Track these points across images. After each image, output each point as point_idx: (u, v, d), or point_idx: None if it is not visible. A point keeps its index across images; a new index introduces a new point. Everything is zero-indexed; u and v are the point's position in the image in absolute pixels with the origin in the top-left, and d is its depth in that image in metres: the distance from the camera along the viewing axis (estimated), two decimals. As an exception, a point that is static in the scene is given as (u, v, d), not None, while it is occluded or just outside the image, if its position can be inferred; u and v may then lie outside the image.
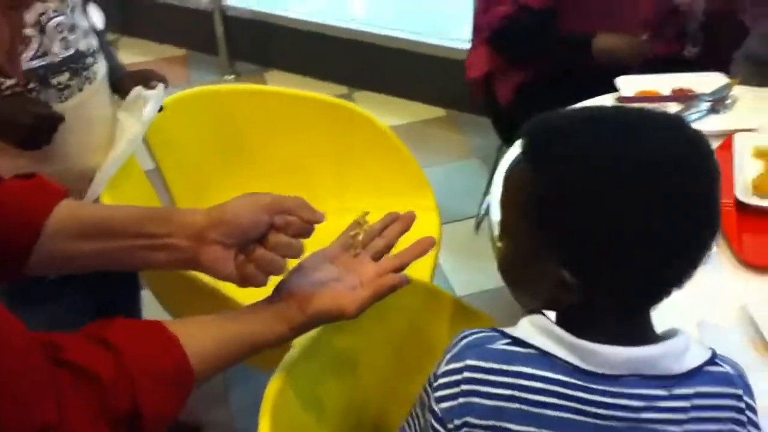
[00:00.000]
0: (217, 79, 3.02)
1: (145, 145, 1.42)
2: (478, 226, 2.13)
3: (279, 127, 1.62)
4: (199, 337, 0.66)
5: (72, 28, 1.13)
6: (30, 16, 1.06)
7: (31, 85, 1.08)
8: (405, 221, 0.80)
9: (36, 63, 1.08)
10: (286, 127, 1.62)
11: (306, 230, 0.71)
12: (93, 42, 1.18)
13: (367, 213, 0.81)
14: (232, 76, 3.04)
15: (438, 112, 2.75)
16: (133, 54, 3.22)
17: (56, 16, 1.10)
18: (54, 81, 1.10)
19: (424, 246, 0.78)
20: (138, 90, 1.25)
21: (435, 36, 2.70)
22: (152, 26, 3.33)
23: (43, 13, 1.08)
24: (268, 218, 0.70)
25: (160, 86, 1.27)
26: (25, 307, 0.77)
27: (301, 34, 2.93)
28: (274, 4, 3.02)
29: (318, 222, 0.71)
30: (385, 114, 2.72)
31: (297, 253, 0.71)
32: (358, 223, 0.79)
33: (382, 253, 0.78)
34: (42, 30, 1.08)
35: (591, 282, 0.61)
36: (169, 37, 3.31)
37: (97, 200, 1.17)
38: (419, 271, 1.36)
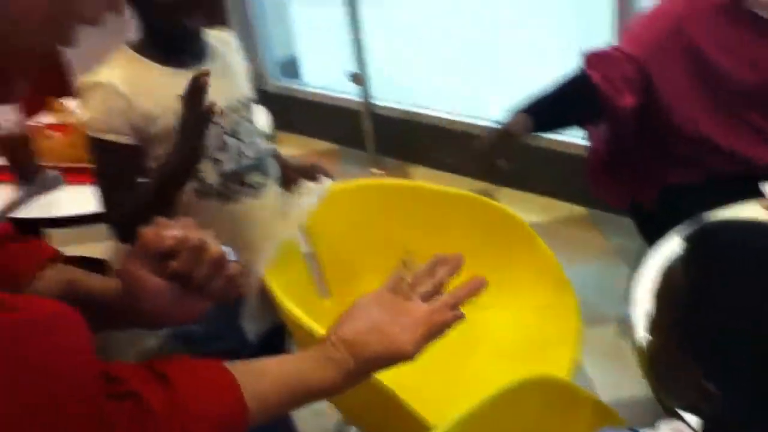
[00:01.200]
0: (365, 173, 3.17)
1: (303, 231, 1.52)
2: (620, 329, 2.07)
3: (420, 219, 1.68)
4: (256, 378, 0.66)
5: (256, 132, 1.26)
6: (227, 125, 1.19)
7: (232, 187, 1.21)
8: (453, 263, 0.77)
9: (234, 166, 1.20)
10: (428, 220, 1.67)
11: None
12: (266, 141, 1.30)
13: (411, 252, 0.79)
14: (378, 170, 3.18)
15: (580, 211, 2.73)
16: (289, 147, 3.46)
17: (246, 123, 1.23)
18: (248, 181, 1.23)
19: (477, 284, 0.75)
20: (307, 184, 1.33)
21: (577, 136, 2.72)
22: (307, 122, 3.58)
23: (237, 122, 1.21)
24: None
25: (327, 180, 1.35)
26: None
27: (443, 131, 3.04)
28: (418, 103, 3.17)
29: None
30: (526, 211, 2.73)
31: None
32: (405, 265, 0.77)
33: (431, 295, 0.75)
34: (237, 136, 1.21)
35: (738, 396, 0.59)
36: (321, 132, 3.54)
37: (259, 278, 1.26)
38: (558, 370, 1.35)
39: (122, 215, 1.12)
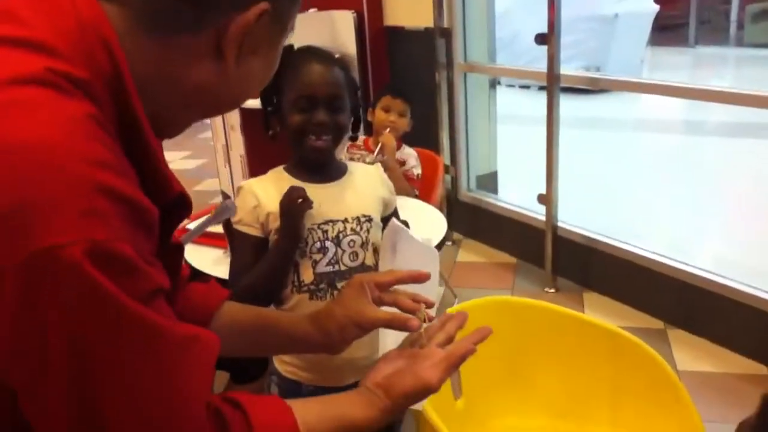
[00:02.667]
0: (539, 291, 3.24)
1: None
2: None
3: (561, 345, 1.74)
4: (305, 410, 0.77)
5: (364, 245, 1.40)
6: (331, 232, 1.38)
7: (321, 286, 1.37)
8: (459, 319, 0.93)
9: (328, 269, 1.37)
10: (568, 347, 1.73)
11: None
12: (387, 258, 1.33)
13: (426, 307, 0.93)
14: (553, 290, 3.24)
15: (758, 368, 2.59)
16: (472, 254, 3.65)
17: (354, 236, 1.38)
18: (339, 286, 1.37)
19: (485, 333, 0.91)
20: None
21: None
22: (492, 234, 3.74)
23: (342, 231, 1.38)
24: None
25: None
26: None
27: (626, 264, 3.05)
28: (602, 229, 3.22)
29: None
30: (700, 359, 2.66)
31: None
32: (420, 320, 0.91)
33: (444, 344, 0.90)
34: (339, 245, 1.37)
35: None
36: (504, 245, 3.68)
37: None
38: None
39: (243, 287, 1.35)
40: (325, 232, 1.37)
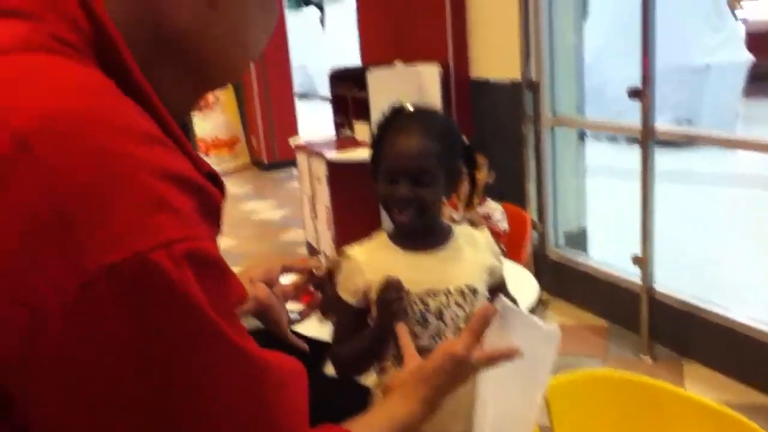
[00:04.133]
0: (634, 359, 3.05)
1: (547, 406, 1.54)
2: None
3: (662, 424, 1.60)
4: (357, 425, 0.80)
5: (468, 320, 1.29)
6: (433, 305, 1.29)
7: None
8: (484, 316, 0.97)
9: (428, 343, 1.27)
10: (670, 426, 1.59)
11: None
12: (494, 339, 1.33)
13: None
14: (648, 358, 3.04)
15: None
16: (558, 315, 3.48)
17: (456, 308, 1.30)
18: None
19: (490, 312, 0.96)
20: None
21: None
22: (583, 294, 3.57)
23: (444, 304, 1.29)
24: None
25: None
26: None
27: (729, 332, 2.83)
28: (704, 294, 3.01)
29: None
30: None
31: None
32: None
33: None
34: (441, 318, 1.29)
35: None
36: (595, 307, 3.50)
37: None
38: None
39: (343, 357, 1.34)
40: (427, 304, 1.29)
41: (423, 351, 1.24)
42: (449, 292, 1.30)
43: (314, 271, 1.30)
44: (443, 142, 1.30)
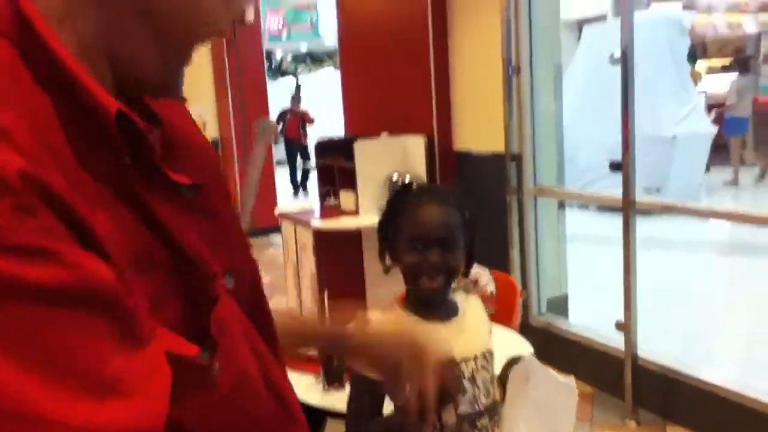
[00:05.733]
0: (619, 423, 3.11)
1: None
2: None
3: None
4: None
5: (492, 380, 1.39)
6: (467, 371, 1.36)
7: (464, 427, 1.34)
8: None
9: (469, 410, 1.34)
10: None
11: None
12: (519, 393, 1.37)
13: None
14: (633, 422, 3.11)
15: None
16: (544, 381, 3.54)
17: (484, 372, 1.38)
18: (479, 425, 1.35)
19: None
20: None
21: None
22: (566, 360, 3.64)
23: (475, 369, 1.36)
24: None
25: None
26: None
27: (710, 395, 2.92)
28: (685, 359, 3.11)
29: None
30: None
31: None
32: None
33: None
34: (475, 383, 1.36)
35: None
36: (579, 372, 3.55)
37: None
38: None
39: None
40: (461, 372, 1.35)
41: (464, 417, 1.34)
42: (476, 358, 1.37)
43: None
44: (461, 212, 1.41)
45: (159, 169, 0.56)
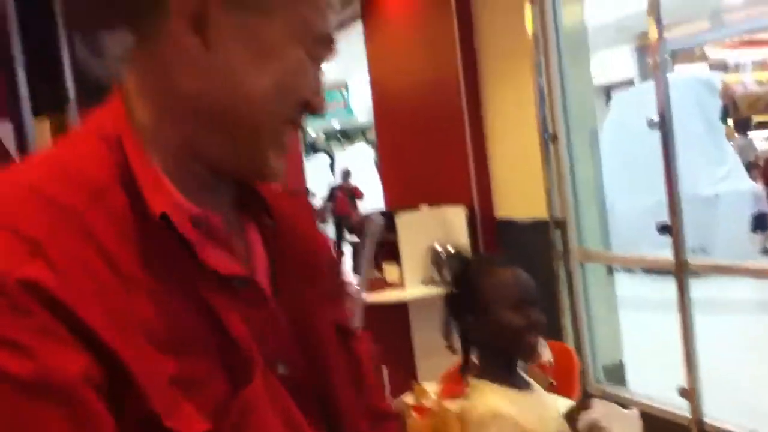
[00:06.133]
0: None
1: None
2: None
3: None
4: None
5: None
6: None
7: None
8: None
9: None
10: None
11: None
12: None
13: None
14: (705, 495, 2.95)
15: None
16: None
17: None
18: None
19: None
20: None
21: None
22: (627, 430, 3.50)
23: None
24: None
25: None
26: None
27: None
28: (753, 424, 2.96)
29: None
30: None
31: None
32: None
33: None
34: None
35: None
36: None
37: None
38: None
39: None
40: None
41: None
42: (563, 424, 1.39)
43: None
44: None
45: (203, 265, 0.64)
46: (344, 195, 11.45)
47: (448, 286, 1.49)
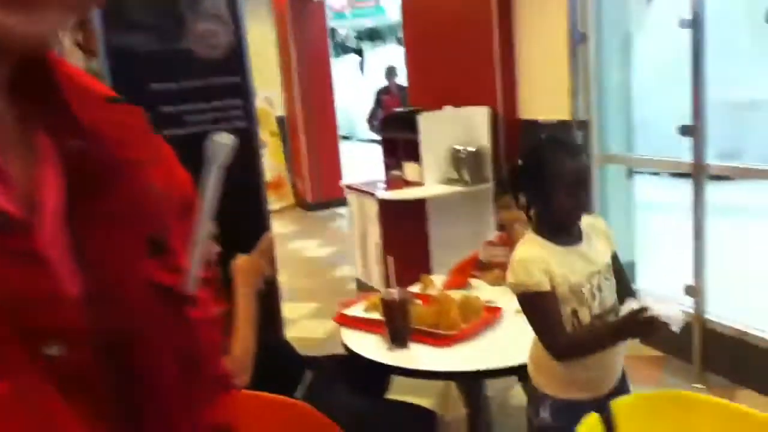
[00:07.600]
0: (687, 387, 3.10)
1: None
2: None
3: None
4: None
5: (612, 287, 1.71)
6: (594, 283, 1.69)
7: (596, 324, 1.68)
8: None
9: (599, 311, 1.67)
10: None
11: None
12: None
13: None
14: (703, 387, 3.10)
15: None
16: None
17: (605, 281, 1.70)
18: (607, 322, 1.68)
19: None
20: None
21: None
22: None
23: (599, 279, 1.69)
24: None
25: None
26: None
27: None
28: (756, 322, 3.06)
29: None
30: None
31: None
32: None
33: None
34: (601, 291, 1.68)
35: None
36: (648, 339, 3.56)
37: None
38: None
39: (585, 345, 1.67)
40: (592, 283, 1.69)
41: (597, 318, 1.68)
42: (600, 272, 1.70)
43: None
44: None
45: None
46: (393, 96, 10.13)
47: (519, 157, 1.81)
